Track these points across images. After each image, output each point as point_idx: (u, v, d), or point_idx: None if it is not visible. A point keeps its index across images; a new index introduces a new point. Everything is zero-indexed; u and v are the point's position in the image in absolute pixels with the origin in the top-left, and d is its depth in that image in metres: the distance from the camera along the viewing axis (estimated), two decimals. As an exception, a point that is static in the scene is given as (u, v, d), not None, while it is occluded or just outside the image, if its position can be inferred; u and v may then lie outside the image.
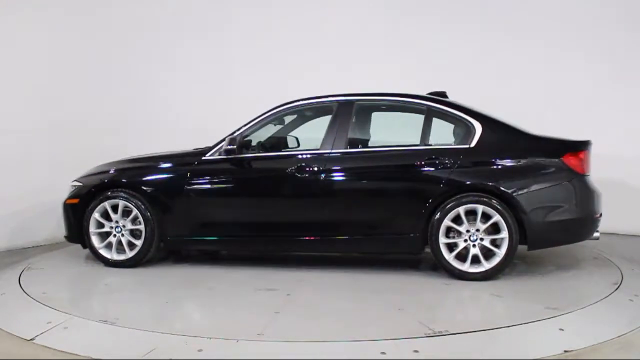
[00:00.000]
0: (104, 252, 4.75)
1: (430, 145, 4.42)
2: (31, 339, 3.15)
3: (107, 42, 6.44)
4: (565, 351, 2.89)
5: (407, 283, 4.19)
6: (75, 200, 4.84)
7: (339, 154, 4.49)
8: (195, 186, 4.67)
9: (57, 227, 5.99)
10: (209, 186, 4.69)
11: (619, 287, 3.99)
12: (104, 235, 4.78)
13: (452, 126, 4.58)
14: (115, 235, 4.75)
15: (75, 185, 4.94)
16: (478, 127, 4.36)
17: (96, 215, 4.75)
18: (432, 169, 4.30)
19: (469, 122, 4.41)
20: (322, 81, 6.23)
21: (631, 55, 6.26)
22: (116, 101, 6.55)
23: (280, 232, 4.59)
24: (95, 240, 4.76)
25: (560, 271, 4.47)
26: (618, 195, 5.94)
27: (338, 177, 4.49)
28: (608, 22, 6.32)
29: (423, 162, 4.32)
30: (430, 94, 4.76)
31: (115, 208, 4.73)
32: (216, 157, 4.68)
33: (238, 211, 4.68)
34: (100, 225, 4.77)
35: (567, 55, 6.46)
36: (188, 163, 4.74)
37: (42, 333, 3.21)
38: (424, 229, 4.27)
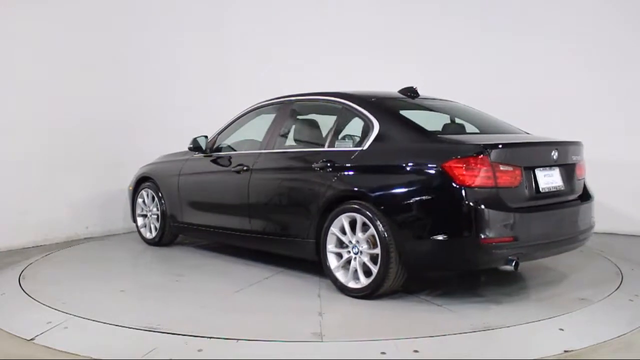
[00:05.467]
0: (142, 231, 5.78)
1: (333, 147, 4.15)
2: (31, 339, 3.15)
3: (114, 43, 6.44)
4: (565, 351, 2.88)
5: (286, 286, 4.13)
6: (131, 188, 5.89)
7: (263, 154, 4.59)
8: (181, 181, 5.30)
9: (56, 226, 6.02)
10: (187, 181, 5.25)
11: (619, 287, 3.99)
12: (144, 218, 5.79)
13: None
14: (148, 218, 5.70)
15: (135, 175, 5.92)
16: (376, 127, 3.91)
17: (139, 200, 5.78)
18: (323, 172, 4.01)
19: (370, 120, 3.97)
20: (321, 80, 6.24)
21: (632, 54, 6.24)
22: (127, 103, 6.56)
23: (223, 225, 4.89)
24: (139, 221, 5.80)
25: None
26: (618, 196, 5.96)
27: (259, 176, 4.54)
28: (609, 20, 6.32)
29: (316, 165, 4.06)
30: (400, 90, 4.50)
31: (148, 195, 5.67)
32: (197, 155, 5.23)
33: (202, 204, 5.15)
34: (142, 209, 5.76)
35: (567, 55, 6.46)
36: (182, 160, 5.41)
37: (42, 333, 3.21)
38: (318, 235, 4.01)
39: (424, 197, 3.52)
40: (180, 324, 3.25)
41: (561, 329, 3.18)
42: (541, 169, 3.73)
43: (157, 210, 5.55)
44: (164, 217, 5.47)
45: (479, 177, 3.39)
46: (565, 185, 3.90)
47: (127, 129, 6.50)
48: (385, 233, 3.59)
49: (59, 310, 3.53)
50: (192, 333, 3.10)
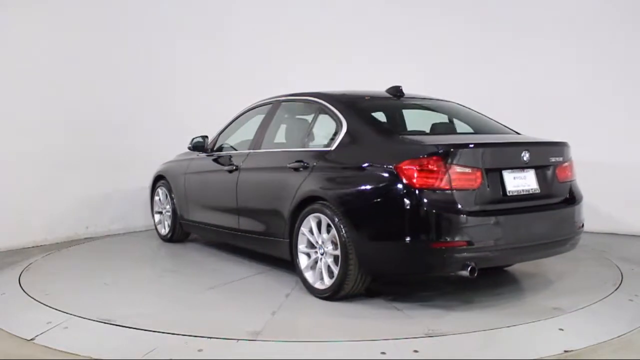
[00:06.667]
0: (158, 228, 5.99)
1: (307, 147, 4.18)
2: (31, 339, 3.15)
3: (114, 43, 6.44)
4: (565, 351, 2.88)
5: (260, 285, 4.17)
6: (150, 186, 6.11)
7: (250, 154, 4.64)
8: (187, 179, 5.42)
9: (56, 226, 6.02)
10: (191, 180, 5.37)
11: (619, 287, 3.99)
12: (160, 215, 6.00)
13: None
14: (163, 215, 5.93)
15: None
16: (344, 127, 3.86)
17: (156, 198, 6.00)
18: (296, 172, 3.99)
19: (340, 120, 3.93)
20: (320, 80, 6.24)
21: (632, 54, 6.23)
22: (127, 103, 6.56)
23: (218, 223, 4.96)
24: (156, 218, 6.01)
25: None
26: (618, 196, 5.95)
27: (245, 175, 4.59)
28: (609, 20, 6.30)
29: (290, 165, 4.03)
30: (387, 90, 4.43)
31: (163, 193, 5.87)
32: (201, 155, 5.32)
33: (202, 203, 5.23)
34: (158, 206, 5.98)
35: (567, 55, 6.45)
36: (188, 159, 5.52)
37: (42, 333, 3.21)
38: (291, 235, 3.99)
39: (379, 199, 3.46)
40: (140, 317, 3.38)
41: (561, 329, 3.18)
42: (510, 170, 3.54)
43: (170, 207, 5.70)
44: (175, 215, 5.63)
45: (431, 178, 3.27)
46: (541, 188, 3.67)
47: (127, 130, 6.50)
48: (345, 235, 3.54)
49: (59, 310, 3.54)
50: (175, 331, 3.12)
